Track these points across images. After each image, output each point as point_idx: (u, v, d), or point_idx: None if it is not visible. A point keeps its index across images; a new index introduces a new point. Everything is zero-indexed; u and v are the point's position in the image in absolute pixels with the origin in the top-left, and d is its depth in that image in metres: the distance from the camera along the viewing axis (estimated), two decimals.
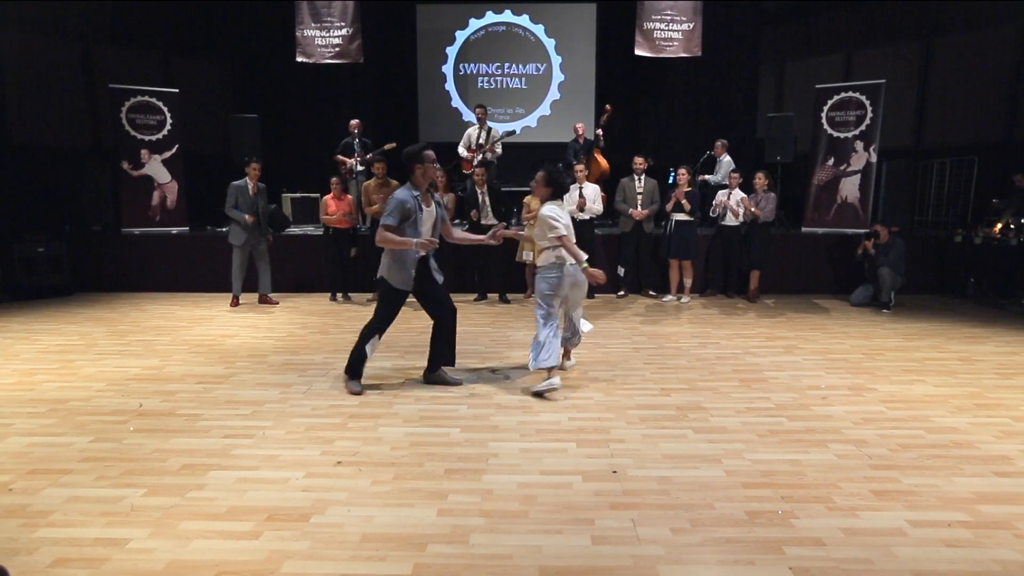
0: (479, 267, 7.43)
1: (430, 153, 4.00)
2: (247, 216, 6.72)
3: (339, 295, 7.39)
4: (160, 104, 8.69)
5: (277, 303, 7.14)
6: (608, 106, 8.45)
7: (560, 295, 4.19)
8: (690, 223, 7.21)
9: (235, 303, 7.00)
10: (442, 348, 4.30)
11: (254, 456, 3.22)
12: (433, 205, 4.11)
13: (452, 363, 4.37)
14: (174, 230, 8.54)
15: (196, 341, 5.54)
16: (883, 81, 8.36)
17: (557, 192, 4.20)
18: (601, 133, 8.32)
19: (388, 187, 7.00)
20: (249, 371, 4.67)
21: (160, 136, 8.69)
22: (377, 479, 2.97)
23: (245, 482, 2.94)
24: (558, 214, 4.09)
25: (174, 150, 8.74)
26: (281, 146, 10.19)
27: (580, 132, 8.52)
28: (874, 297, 7.07)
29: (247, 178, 6.80)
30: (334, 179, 7.05)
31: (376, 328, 4.15)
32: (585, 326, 4.55)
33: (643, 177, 7.36)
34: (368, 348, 4.15)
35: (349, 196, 7.45)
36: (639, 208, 7.30)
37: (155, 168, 8.66)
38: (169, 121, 8.72)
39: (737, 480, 2.97)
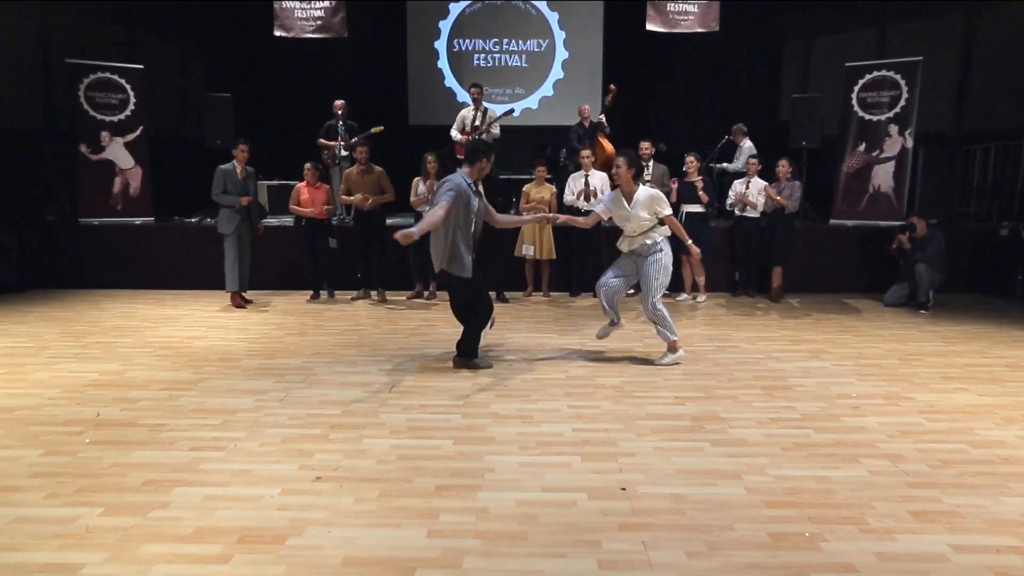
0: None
1: (493, 154, 4.73)
2: (242, 198, 6.70)
3: (323, 292, 7.36)
4: (122, 81, 8.64)
5: (252, 301, 7.12)
6: (612, 86, 8.43)
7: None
8: (703, 215, 7.19)
9: (237, 301, 6.90)
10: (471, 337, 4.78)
11: (224, 471, 3.19)
12: (481, 198, 4.67)
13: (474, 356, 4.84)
14: (137, 221, 8.51)
15: (161, 343, 5.51)
16: (920, 58, 8.35)
17: (639, 174, 4.83)
18: (605, 117, 8.29)
19: (372, 174, 6.98)
20: (219, 376, 4.64)
21: (122, 117, 8.64)
22: (361, 496, 2.95)
23: (214, 500, 2.91)
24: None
25: (138, 132, 8.71)
26: (257, 129, 10.08)
27: (585, 115, 8.50)
28: (910, 296, 7.07)
29: (234, 161, 6.79)
30: (307, 165, 7.00)
31: (483, 317, 4.69)
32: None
33: (651, 163, 7.33)
34: (481, 335, 4.72)
35: (325, 185, 7.40)
36: None
37: (117, 152, 8.62)
38: (132, 100, 8.68)
39: (759, 499, 2.95)
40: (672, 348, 4.95)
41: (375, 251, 7.14)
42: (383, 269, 7.27)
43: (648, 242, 4.78)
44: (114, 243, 8.02)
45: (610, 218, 4.98)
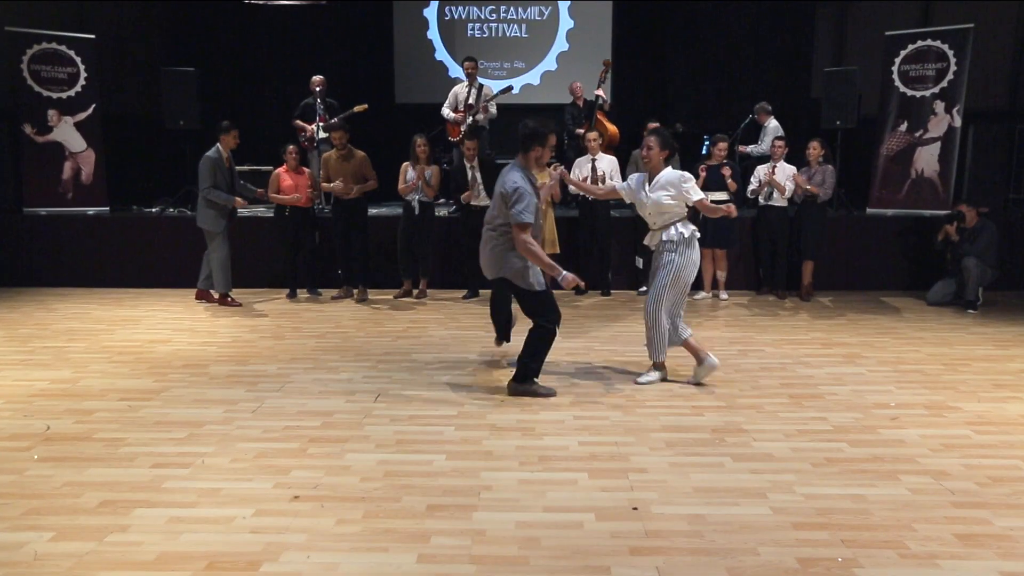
0: (469, 257, 7.42)
1: (554, 137, 4.48)
2: (237, 200, 6.75)
3: (305, 290, 7.37)
4: (72, 53, 8.65)
5: (239, 304, 7.08)
6: (606, 60, 8.45)
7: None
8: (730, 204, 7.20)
9: (230, 301, 6.93)
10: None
11: (191, 490, 3.20)
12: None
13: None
14: (91, 210, 8.52)
15: (119, 348, 5.52)
16: (971, 26, 8.35)
17: (672, 156, 4.69)
18: (602, 93, 8.29)
19: (353, 159, 6.98)
20: (185, 385, 4.65)
21: (72, 93, 8.65)
22: (343, 517, 2.97)
23: (179, 522, 2.93)
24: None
25: (90, 111, 8.72)
26: (225, 107, 10.16)
27: (578, 93, 8.52)
28: (957, 294, 7.09)
29: (219, 146, 6.78)
30: (289, 147, 7.03)
31: (551, 328, 4.47)
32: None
33: None
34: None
35: (307, 169, 7.44)
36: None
37: (66, 133, 8.63)
38: (83, 75, 8.69)
39: (786, 519, 2.97)
40: (657, 367, 4.76)
41: (357, 245, 7.16)
42: (366, 265, 7.28)
43: (664, 238, 4.58)
44: (64, 236, 8.02)
45: (631, 203, 4.92)
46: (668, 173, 4.59)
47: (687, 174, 4.60)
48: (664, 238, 4.60)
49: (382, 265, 7.64)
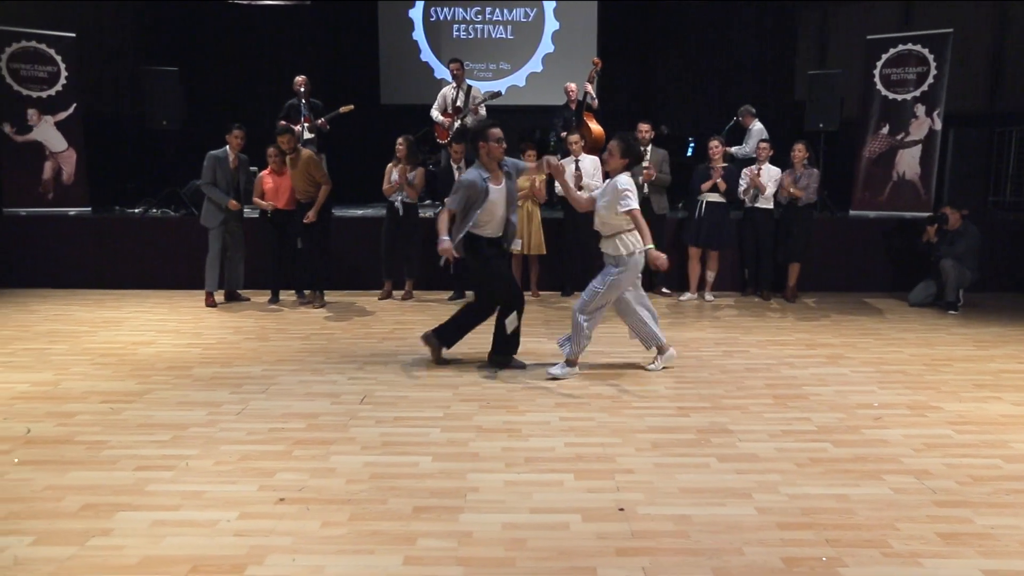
0: (455, 259, 7.39)
1: (495, 131, 4.75)
2: (231, 202, 6.77)
3: (292, 292, 7.30)
4: (52, 52, 8.57)
5: (248, 299, 7.20)
6: (596, 59, 8.48)
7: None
8: (724, 205, 7.28)
9: (211, 301, 6.96)
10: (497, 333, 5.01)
11: (174, 493, 3.18)
12: (504, 182, 4.82)
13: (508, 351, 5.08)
14: (72, 211, 8.44)
15: (101, 350, 5.47)
16: (950, 30, 8.46)
17: (632, 164, 4.74)
18: (590, 90, 8.32)
19: (299, 162, 6.69)
20: (168, 387, 4.62)
21: (52, 92, 8.57)
22: (329, 520, 2.96)
23: (163, 525, 2.91)
24: (632, 186, 4.62)
25: (71, 110, 8.64)
26: (208, 107, 10.09)
27: (572, 95, 8.54)
28: (938, 296, 7.16)
29: (227, 147, 6.84)
30: (271, 149, 6.96)
31: (484, 307, 5.01)
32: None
33: (650, 147, 7.39)
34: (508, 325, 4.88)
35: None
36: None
37: (46, 132, 8.54)
38: (64, 73, 8.61)
39: (771, 519, 2.99)
40: (570, 362, 4.90)
41: (312, 249, 6.98)
42: (321, 269, 7.10)
43: (609, 251, 4.72)
44: (45, 236, 7.93)
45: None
46: (616, 179, 4.64)
47: (624, 185, 4.57)
48: (610, 252, 4.71)
49: (367, 266, 7.61)
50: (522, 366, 5.03)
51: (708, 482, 3.33)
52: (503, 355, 5.02)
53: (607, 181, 4.83)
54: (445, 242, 4.74)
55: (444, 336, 5.10)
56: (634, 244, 4.64)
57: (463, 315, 5.09)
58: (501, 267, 5.01)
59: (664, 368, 5.02)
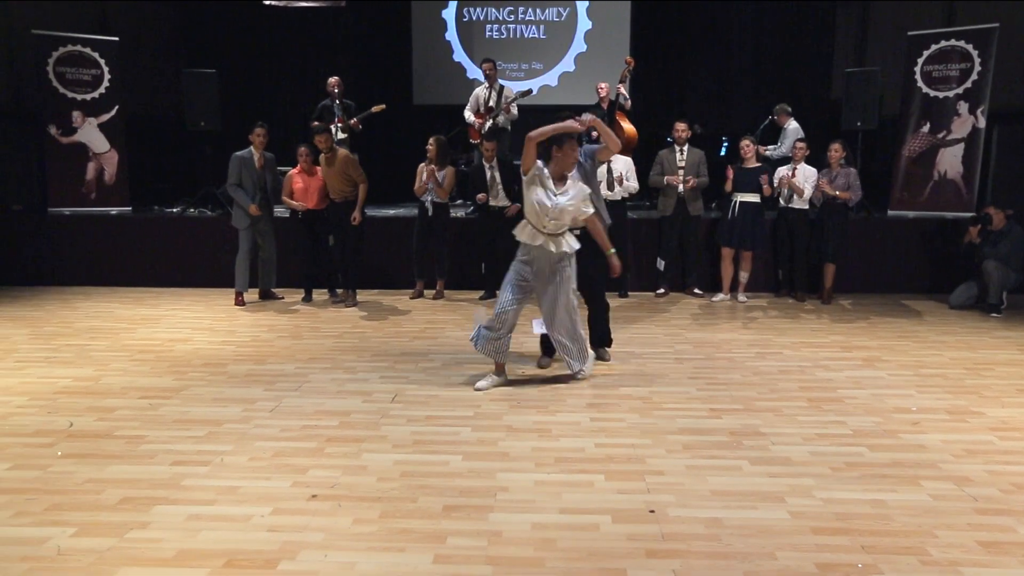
0: (487, 257, 7.42)
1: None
2: (252, 206, 6.85)
3: (325, 291, 7.38)
4: (96, 56, 8.76)
5: (282, 298, 7.30)
6: (628, 59, 8.42)
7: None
8: (758, 206, 7.19)
9: (240, 301, 7.06)
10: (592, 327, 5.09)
11: (209, 488, 3.24)
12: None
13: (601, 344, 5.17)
14: (113, 211, 8.62)
15: (140, 347, 5.58)
16: (996, 25, 8.24)
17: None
18: (623, 90, 8.27)
19: (336, 161, 6.74)
20: (204, 384, 4.70)
21: (96, 95, 8.76)
22: (360, 517, 2.98)
23: (198, 520, 2.96)
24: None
25: (113, 112, 8.82)
26: (245, 108, 10.25)
27: (604, 94, 8.50)
28: (980, 298, 7.00)
29: (252, 147, 6.92)
30: (302, 148, 7.02)
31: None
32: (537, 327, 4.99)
33: (686, 147, 7.33)
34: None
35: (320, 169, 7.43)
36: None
37: (90, 134, 8.74)
38: (107, 77, 8.80)
39: (805, 524, 2.95)
40: (585, 355, 4.81)
41: (345, 248, 7.07)
42: (351, 268, 7.16)
43: (566, 249, 4.51)
44: (87, 235, 8.12)
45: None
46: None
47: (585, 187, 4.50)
48: (567, 250, 4.49)
49: (399, 266, 7.66)
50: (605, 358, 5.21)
51: (740, 485, 3.29)
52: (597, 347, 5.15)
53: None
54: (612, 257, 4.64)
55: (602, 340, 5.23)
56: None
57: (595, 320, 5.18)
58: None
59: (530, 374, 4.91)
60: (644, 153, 8.24)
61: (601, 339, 5.22)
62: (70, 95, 8.65)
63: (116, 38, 8.96)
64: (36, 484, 3.26)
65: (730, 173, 7.14)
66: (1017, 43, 9.72)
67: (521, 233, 4.49)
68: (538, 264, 4.49)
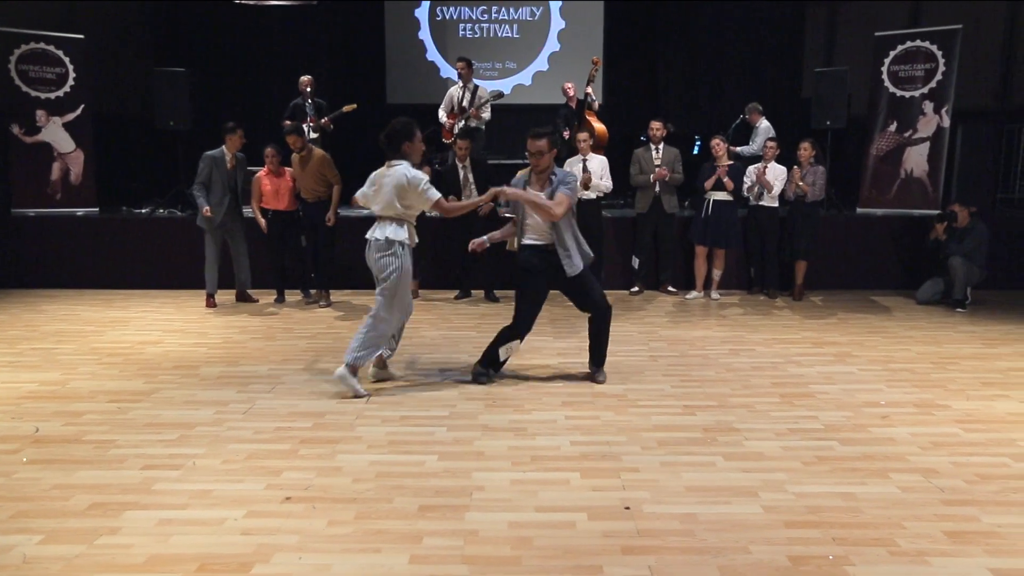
0: (463, 257, 7.39)
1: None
2: (206, 208, 6.72)
3: (299, 292, 7.32)
4: (60, 53, 8.61)
5: (257, 300, 7.20)
6: (595, 59, 8.47)
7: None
8: (731, 204, 7.28)
9: (211, 303, 6.96)
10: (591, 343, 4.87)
11: (181, 492, 3.20)
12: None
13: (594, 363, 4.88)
14: (80, 211, 8.48)
15: (108, 349, 5.50)
16: (959, 27, 8.41)
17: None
18: (590, 90, 8.31)
19: (311, 161, 6.72)
20: (175, 386, 4.64)
21: (61, 93, 8.61)
22: (335, 519, 2.97)
23: (170, 524, 2.92)
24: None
25: (79, 111, 8.68)
26: (215, 107, 10.10)
27: (571, 94, 8.52)
28: (946, 293, 7.14)
29: (224, 147, 6.83)
30: (268, 149, 6.94)
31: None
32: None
33: (661, 145, 7.39)
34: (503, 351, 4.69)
35: (288, 170, 7.35)
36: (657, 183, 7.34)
37: (55, 133, 8.59)
38: (72, 75, 8.65)
39: (778, 518, 2.99)
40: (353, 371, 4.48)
41: (317, 248, 7.02)
42: (321, 267, 7.14)
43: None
44: (53, 237, 7.98)
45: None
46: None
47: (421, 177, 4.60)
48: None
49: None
50: (485, 382, 4.70)
51: (714, 481, 3.32)
52: (485, 367, 4.76)
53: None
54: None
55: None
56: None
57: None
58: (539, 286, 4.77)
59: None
60: (618, 152, 8.27)
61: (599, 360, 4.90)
62: (33, 93, 8.49)
63: (81, 36, 8.80)
64: (0, 491, 3.19)
65: (723, 173, 7.19)
66: (980, 44, 9.95)
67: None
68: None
